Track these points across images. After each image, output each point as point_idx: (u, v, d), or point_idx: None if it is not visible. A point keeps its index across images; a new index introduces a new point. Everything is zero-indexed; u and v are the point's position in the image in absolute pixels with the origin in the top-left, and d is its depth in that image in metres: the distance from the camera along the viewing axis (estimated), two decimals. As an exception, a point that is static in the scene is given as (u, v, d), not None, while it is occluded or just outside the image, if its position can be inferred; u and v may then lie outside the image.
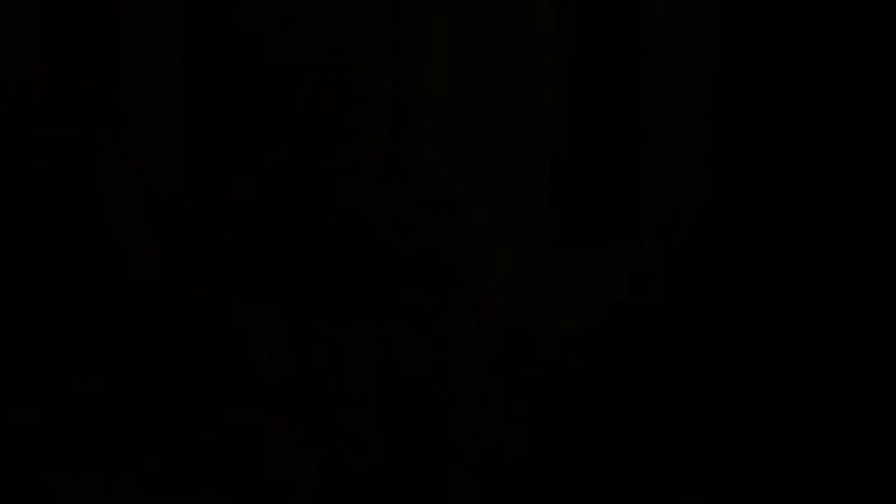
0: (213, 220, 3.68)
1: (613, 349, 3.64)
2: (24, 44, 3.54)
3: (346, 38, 4.12)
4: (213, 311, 3.48)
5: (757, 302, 3.37)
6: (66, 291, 2.94)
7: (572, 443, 2.77)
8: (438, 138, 4.26)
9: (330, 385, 3.19)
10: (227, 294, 3.52)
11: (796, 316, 2.64)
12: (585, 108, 4.75)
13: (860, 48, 2.93)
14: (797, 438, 2.60)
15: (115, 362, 2.96)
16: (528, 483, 2.87)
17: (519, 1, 4.51)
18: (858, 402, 2.58)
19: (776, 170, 3.97)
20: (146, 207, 3.46)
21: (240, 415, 2.99)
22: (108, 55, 3.71)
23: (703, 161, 4.61)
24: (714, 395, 3.16)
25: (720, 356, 2.77)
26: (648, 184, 4.95)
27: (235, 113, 3.97)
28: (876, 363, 2.59)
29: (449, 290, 3.60)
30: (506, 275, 3.79)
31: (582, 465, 2.76)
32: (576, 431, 2.78)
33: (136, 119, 3.77)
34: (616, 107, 4.89)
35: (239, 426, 2.95)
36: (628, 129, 4.91)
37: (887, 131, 2.62)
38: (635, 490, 2.80)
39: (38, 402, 2.72)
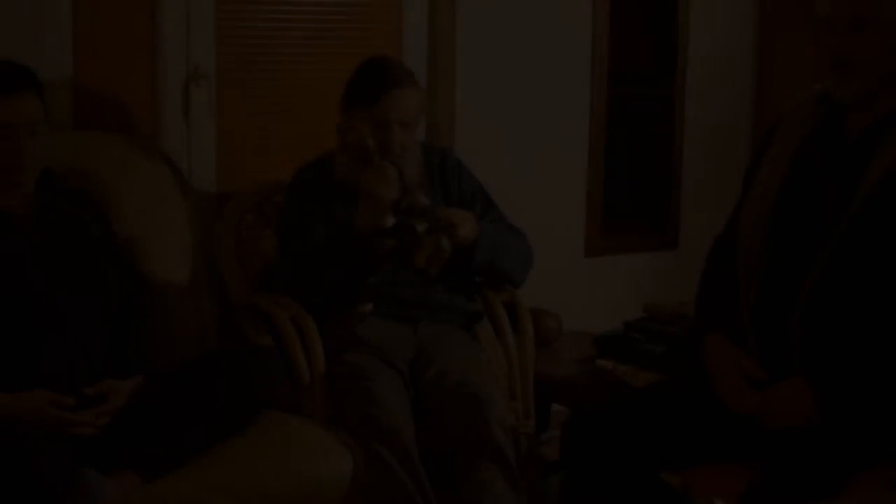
0: (249, 222, 3.69)
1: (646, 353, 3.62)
2: (63, 47, 3.56)
3: (381, 44, 4.12)
4: (249, 312, 3.49)
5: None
6: (104, 290, 2.96)
7: (606, 447, 2.75)
8: (474, 142, 4.26)
9: (367, 386, 3.19)
10: (263, 295, 3.53)
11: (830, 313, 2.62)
12: (622, 108, 4.73)
13: None
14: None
15: (150, 363, 2.97)
16: (564, 487, 2.86)
17: (555, 6, 4.50)
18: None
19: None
20: (182, 208, 3.48)
21: (277, 416, 3.00)
22: (144, 57, 3.72)
23: (739, 161, 4.58)
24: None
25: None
26: (684, 185, 4.94)
27: (272, 115, 3.98)
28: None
29: (486, 290, 3.60)
30: (542, 277, 3.79)
31: (618, 469, 2.74)
32: (609, 435, 2.76)
33: (173, 120, 3.78)
34: (652, 107, 4.88)
35: (276, 427, 2.96)
36: (664, 131, 4.89)
37: None
38: (671, 493, 2.79)
39: (78, 399, 2.74)
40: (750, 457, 2.66)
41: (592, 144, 4.66)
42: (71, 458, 2.57)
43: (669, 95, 4.88)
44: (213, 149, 3.86)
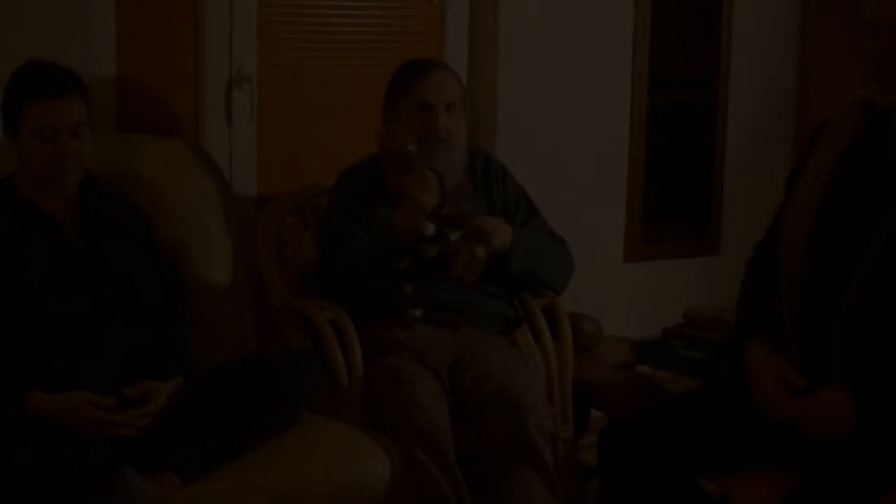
0: (290, 224, 3.70)
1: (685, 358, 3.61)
2: (106, 49, 3.58)
3: (422, 48, 4.12)
4: (288, 314, 3.50)
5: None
6: (145, 292, 2.97)
7: (644, 452, 2.74)
8: (514, 145, 4.25)
9: (406, 389, 3.19)
10: (302, 298, 3.53)
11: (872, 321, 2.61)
12: (663, 113, 4.71)
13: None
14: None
15: (190, 364, 2.98)
16: (602, 493, 2.85)
17: (596, 10, 4.49)
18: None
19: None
20: (224, 211, 3.49)
21: (315, 418, 3.00)
22: (187, 60, 3.74)
23: (781, 167, 4.56)
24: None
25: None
26: (726, 191, 4.91)
27: (313, 118, 3.99)
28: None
29: (525, 296, 3.60)
30: (581, 282, 3.78)
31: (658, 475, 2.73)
32: (647, 441, 2.75)
33: (215, 123, 3.80)
34: (693, 112, 4.86)
35: (314, 429, 2.96)
36: (705, 136, 4.87)
37: None
38: (709, 500, 2.78)
39: (119, 400, 2.76)
40: (789, 464, 2.64)
41: (633, 149, 4.65)
42: (113, 459, 2.58)
43: (711, 100, 4.86)
44: (254, 151, 3.88)
